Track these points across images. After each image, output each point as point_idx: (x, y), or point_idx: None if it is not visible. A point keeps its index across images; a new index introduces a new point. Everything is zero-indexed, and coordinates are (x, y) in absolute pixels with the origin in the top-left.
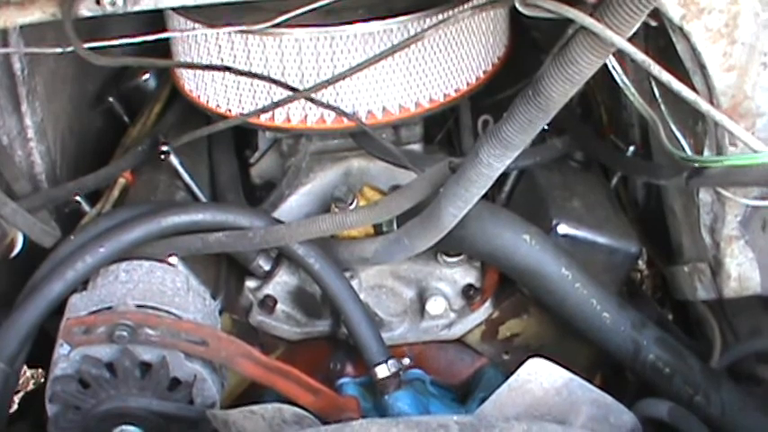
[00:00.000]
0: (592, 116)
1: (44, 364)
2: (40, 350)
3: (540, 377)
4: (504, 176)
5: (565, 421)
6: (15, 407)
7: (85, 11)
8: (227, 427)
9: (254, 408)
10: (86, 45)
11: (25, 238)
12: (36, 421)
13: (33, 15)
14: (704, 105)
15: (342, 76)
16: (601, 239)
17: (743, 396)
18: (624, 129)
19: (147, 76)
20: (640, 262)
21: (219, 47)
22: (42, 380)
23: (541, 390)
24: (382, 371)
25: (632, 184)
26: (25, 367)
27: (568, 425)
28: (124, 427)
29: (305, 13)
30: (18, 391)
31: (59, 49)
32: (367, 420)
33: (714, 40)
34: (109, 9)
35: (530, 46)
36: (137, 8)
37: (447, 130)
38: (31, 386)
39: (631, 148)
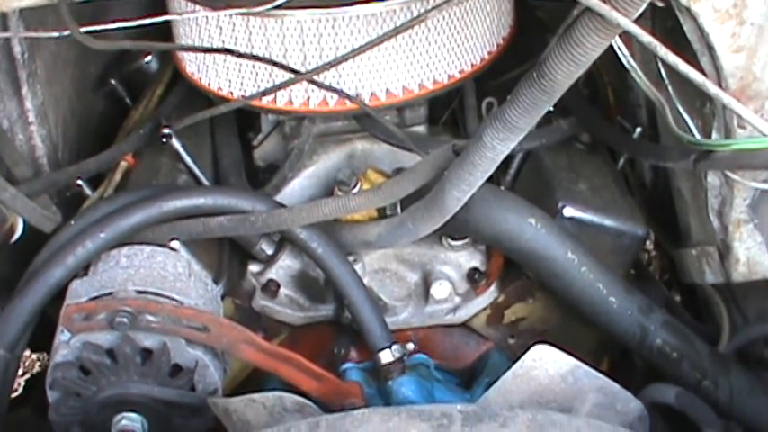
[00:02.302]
0: (598, 97)
1: (48, 348)
2: (44, 334)
3: (546, 364)
4: (509, 159)
5: (570, 408)
6: (21, 390)
7: None
8: (228, 414)
9: (255, 396)
10: (84, 29)
11: (25, 223)
12: (40, 405)
13: None
14: (712, 88)
15: (344, 58)
16: (607, 222)
17: (751, 380)
18: (631, 110)
19: (149, 58)
20: (648, 243)
21: (220, 29)
22: (48, 362)
23: (547, 377)
24: (386, 356)
25: (639, 165)
26: (30, 350)
27: (574, 412)
28: (125, 413)
29: None
30: (25, 373)
31: (56, 34)
32: (369, 409)
33: (722, 21)
34: None
35: (535, 26)
36: None
37: (452, 112)
38: (36, 368)
39: (638, 130)
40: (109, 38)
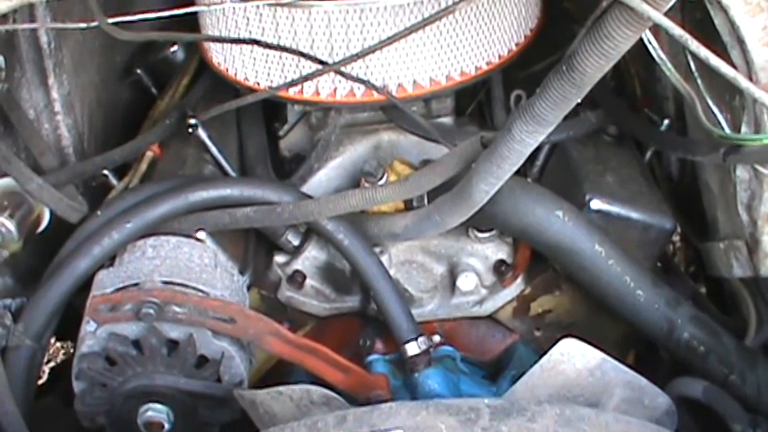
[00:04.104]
0: (625, 89)
1: (74, 338)
2: (69, 325)
3: (573, 358)
4: (536, 151)
5: (598, 403)
6: (45, 378)
7: None
8: (255, 407)
9: (282, 388)
10: (111, 20)
11: (52, 213)
12: (65, 393)
13: None
14: (744, 82)
15: (372, 49)
16: (634, 215)
17: None
18: (658, 102)
19: (174, 48)
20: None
21: (248, 19)
22: (72, 351)
23: (574, 371)
24: (412, 348)
25: (666, 158)
26: (55, 339)
27: (601, 407)
28: (151, 404)
29: None
30: (49, 361)
31: (84, 25)
32: (397, 403)
33: (753, 14)
34: None
35: (562, 17)
36: None
37: (478, 103)
38: (61, 356)
39: (665, 122)
40: (136, 28)
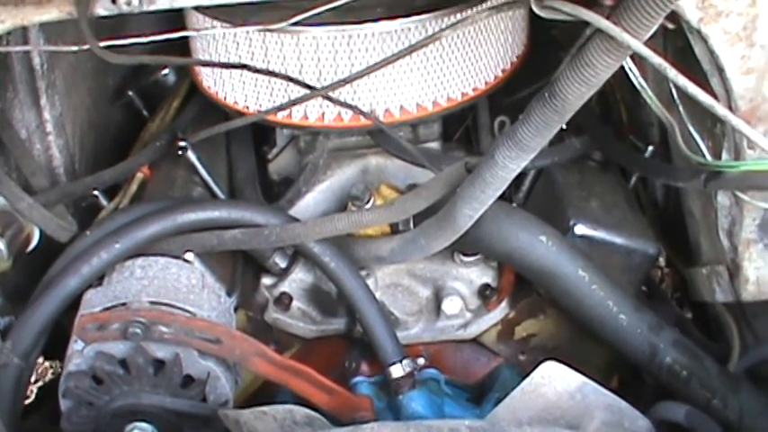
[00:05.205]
0: (612, 116)
1: (62, 357)
2: (57, 343)
3: (554, 381)
4: (521, 176)
5: (578, 426)
6: (33, 397)
7: (101, 10)
8: (239, 427)
9: (266, 408)
10: (103, 43)
11: (41, 232)
12: (52, 412)
13: (50, 14)
14: (721, 110)
15: (359, 75)
16: (618, 240)
17: (762, 400)
18: (643, 128)
19: (166, 71)
20: (661, 260)
21: (237, 44)
22: (61, 370)
23: (555, 394)
24: (397, 370)
25: (651, 183)
26: (42, 357)
27: (582, 430)
28: (137, 423)
29: (323, 11)
30: (37, 381)
31: (76, 48)
32: (378, 424)
33: (732, 43)
34: (125, 9)
35: (549, 44)
36: (152, 8)
37: (465, 128)
38: (49, 375)
39: (650, 149)
40: (127, 52)
